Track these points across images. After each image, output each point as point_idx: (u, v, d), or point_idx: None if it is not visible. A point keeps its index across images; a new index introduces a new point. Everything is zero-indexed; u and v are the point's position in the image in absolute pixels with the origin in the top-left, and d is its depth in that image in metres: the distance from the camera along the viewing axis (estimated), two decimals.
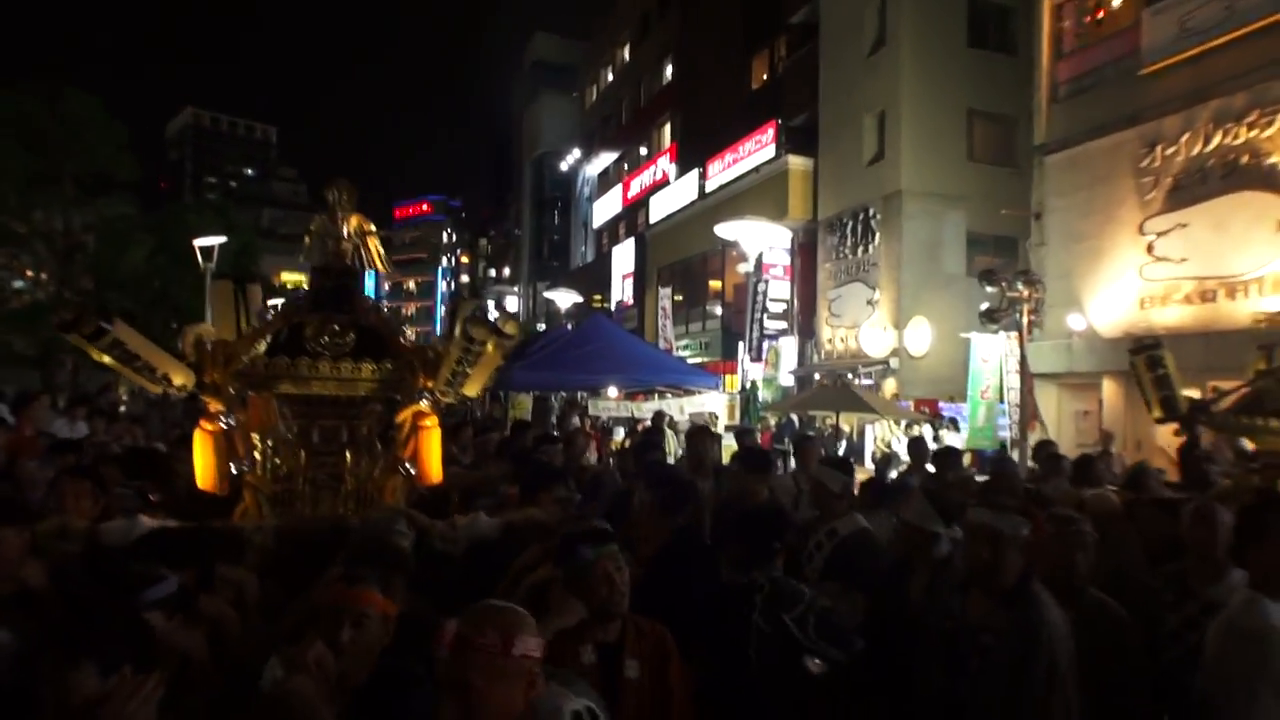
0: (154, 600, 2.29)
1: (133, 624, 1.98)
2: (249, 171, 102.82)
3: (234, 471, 3.83)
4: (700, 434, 6.14)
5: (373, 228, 4.95)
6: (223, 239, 20.03)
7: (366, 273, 5.06)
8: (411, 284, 75.02)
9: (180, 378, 3.85)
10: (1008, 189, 16.12)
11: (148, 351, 3.83)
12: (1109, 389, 13.29)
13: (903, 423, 13.70)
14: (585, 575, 2.49)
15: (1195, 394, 5.54)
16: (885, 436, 14.29)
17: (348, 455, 4.08)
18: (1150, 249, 12.54)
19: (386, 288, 75.77)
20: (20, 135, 16.28)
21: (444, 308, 69.76)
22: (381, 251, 5.08)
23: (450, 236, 70.83)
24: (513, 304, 47.01)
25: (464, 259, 67.30)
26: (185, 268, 20.64)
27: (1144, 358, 5.17)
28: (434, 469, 3.95)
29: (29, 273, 20.51)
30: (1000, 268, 13.98)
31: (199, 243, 19.95)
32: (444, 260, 70.79)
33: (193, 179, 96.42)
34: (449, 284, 69.28)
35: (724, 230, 16.81)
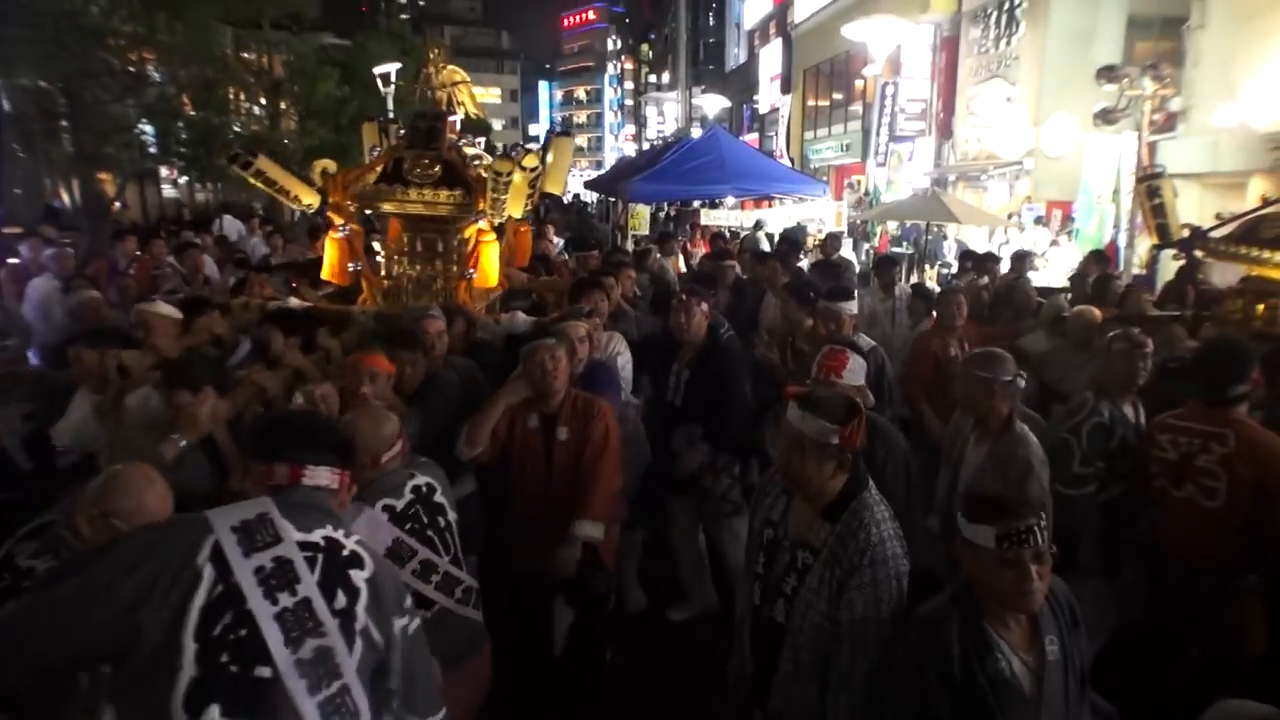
0: (236, 363, 3.40)
1: (213, 365, 3.22)
2: None
3: (353, 268, 4.90)
4: None
5: (463, 77, 5.64)
6: (397, 65, 21.10)
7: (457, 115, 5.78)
8: (581, 92, 74.33)
9: (308, 198, 4.91)
10: None
11: (284, 178, 4.91)
12: (1255, 189, 11.89)
13: (1023, 226, 13.14)
14: (528, 361, 3.18)
15: None
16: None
17: (439, 262, 5.05)
18: None
19: (559, 97, 75.77)
20: None
21: (611, 114, 69.20)
22: (471, 94, 5.79)
23: (615, 43, 68.67)
24: (670, 109, 46.04)
25: (628, 65, 65.46)
26: (372, 93, 21.96)
27: (1144, 187, 5.12)
28: (492, 275, 4.83)
29: (255, 106, 22.63)
30: (1163, 55, 12.42)
31: (377, 70, 21.14)
32: (609, 68, 69.20)
33: (385, 2, 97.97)
34: (616, 91, 68.12)
35: (852, 31, 15.80)
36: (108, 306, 5.65)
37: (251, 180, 4.78)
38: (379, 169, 5.03)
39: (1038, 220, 13.45)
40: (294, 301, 4.74)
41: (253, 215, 13.28)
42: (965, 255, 7.89)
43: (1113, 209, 11.48)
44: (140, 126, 17.31)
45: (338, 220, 4.90)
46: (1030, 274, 7.80)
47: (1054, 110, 14.98)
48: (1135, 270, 10.68)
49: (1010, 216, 14.45)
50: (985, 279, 6.50)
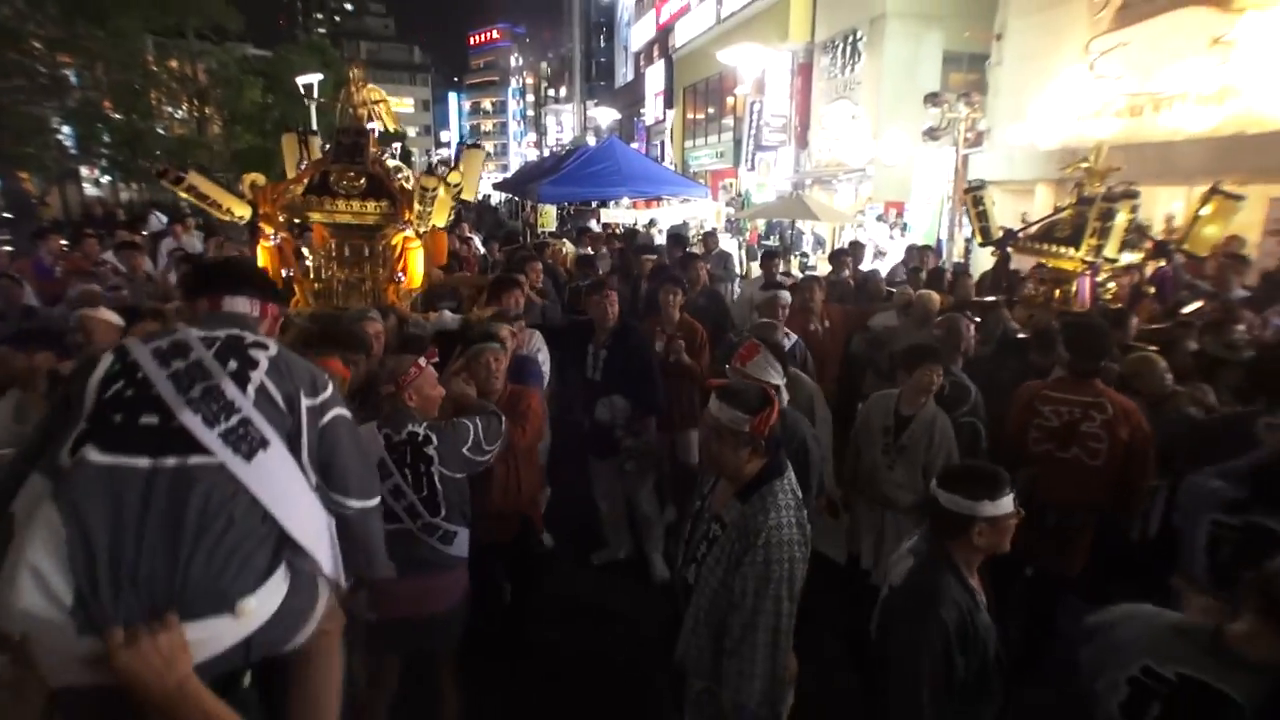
0: None
1: None
2: (348, 7, 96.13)
3: (285, 274, 4.51)
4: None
5: (381, 95, 5.24)
6: (319, 76, 19.63)
7: (375, 126, 5.38)
8: (487, 104, 71.78)
9: (239, 209, 4.48)
10: (986, 7, 14.48)
11: (215, 192, 4.46)
12: (1041, 194, 12.85)
13: (863, 223, 13.65)
14: (474, 362, 3.05)
15: None
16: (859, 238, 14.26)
17: (367, 266, 4.72)
18: (1092, 67, 11.55)
19: (468, 107, 73.00)
20: None
21: (515, 123, 67.31)
22: (389, 111, 5.40)
23: (517, 60, 66.53)
24: (568, 120, 45.20)
25: (530, 79, 63.61)
26: (295, 102, 20.35)
27: (970, 196, 5.36)
28: (417, 278, 4.56)
29: (180, 111, 20.60)
30: (973, 84, 13.16)
31: (301, 80, 19.61)
32: (513, 81, 67.08)
33: (303, 16, 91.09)
34: (519, 103, 66.19)
35: (725, 56, 15.89)
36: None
37: (183, 194, 4.31)
38: (306, 181, 4.64)
39: (879, 218, 14.03)
40: None
41: (181, 215, 12.02)
42: (834, 253, 8.07)
43: (940, 210, 12.11)
44: (62, 128, 15.50)
45: (268, 230, 4.50)
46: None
47: (889, 126, 15.63)
48: (956, 260, 11.32)
49: (857, 214, 15.01)
50: (846, 271, 6.66)
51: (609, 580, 4.29)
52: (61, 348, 3.43)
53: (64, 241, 7.84)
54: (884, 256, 11.38)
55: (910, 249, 8.89)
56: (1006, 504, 1.95)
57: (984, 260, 11.57)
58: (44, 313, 5.01)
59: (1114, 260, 4.70)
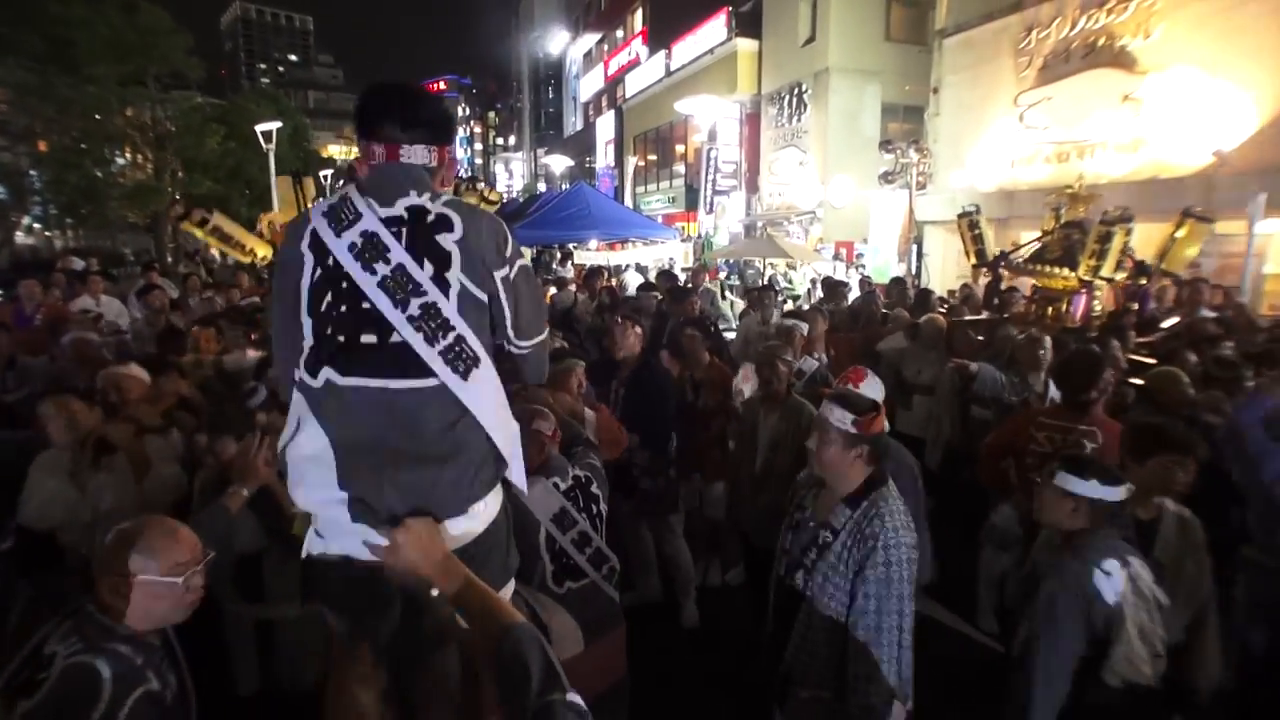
0: (256, 404, 2.87)
1: (248, 414, 2.62)
2: (292, 58, 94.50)
3: None
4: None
5: None
6: (278, 124, 19.23)
7: None
8: None
9: (261, 249, 4.25)
10: (919, 65, 15.41)
11: (238, 233, 4.23)
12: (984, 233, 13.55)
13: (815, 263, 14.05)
14: (564, 378, 3.00)
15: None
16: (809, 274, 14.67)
17: None
18: (1021, 118, 12.41)
19: None
20: (111, 46, 15.29)
21: (464, 171, 67.14)
22: None
23: (464, 110, 66.80)
24: (518, 167, 45.40)
25: (477, 129, 63.84)
26: (251, 149, 19.94)
27: (965, 220, 5.56)
28: None
29: (137, 158, 19.89)
30: (909, 133, 13.87)
31: (260, 128, 19.21)
32: (460, 130, 67.23)
33: (246, 66, 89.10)
34: (466, 151, 66.23)
35: (682, 106, 16.36)
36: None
37: (201, 234, 4.08)
38: None
39: (835, 256, 14.49)
40: (251, 353, 4.01)
41: (121, 260, 11.45)
42: (830, 284, 8.08)
43: (896, 246, 12.61)
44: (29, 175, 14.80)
45: None
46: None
47: (836, 171, 16.32)
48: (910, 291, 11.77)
49: (816, 252, 15.52)
50: (845, 303, 6.76)
51: (636, 624, 3.93)
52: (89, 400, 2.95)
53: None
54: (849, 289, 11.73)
55: (862, 282, 9.22)
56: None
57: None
58: (25, 363, 4.47)
59: (1110, 279, 4.94)
